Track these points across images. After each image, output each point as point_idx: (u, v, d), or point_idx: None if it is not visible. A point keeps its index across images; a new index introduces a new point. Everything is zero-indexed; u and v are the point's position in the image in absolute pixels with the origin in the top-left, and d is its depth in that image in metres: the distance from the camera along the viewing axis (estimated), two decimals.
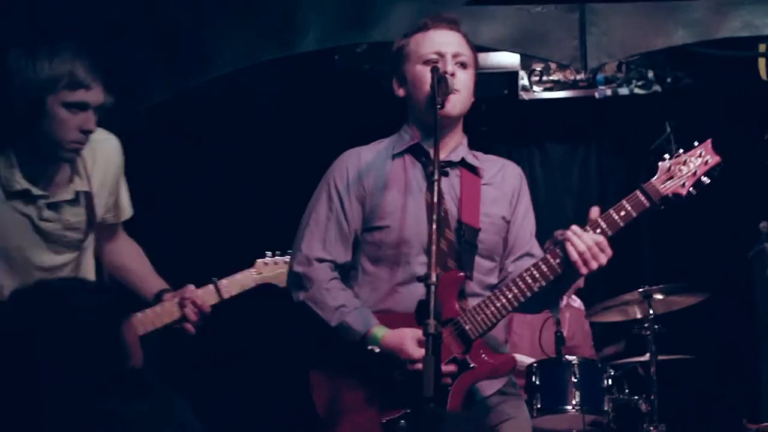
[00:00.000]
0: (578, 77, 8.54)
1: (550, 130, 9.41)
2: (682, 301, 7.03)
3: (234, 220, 7.88)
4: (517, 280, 4.01)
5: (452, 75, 4.09)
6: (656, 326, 6.78)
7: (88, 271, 4.62)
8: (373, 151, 4.33)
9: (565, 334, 6.95)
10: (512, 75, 8.35)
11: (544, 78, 8.59)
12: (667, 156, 4.06)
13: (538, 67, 8.54)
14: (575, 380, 6.45)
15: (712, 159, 4.06)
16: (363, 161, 4.27)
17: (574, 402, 6.43)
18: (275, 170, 7.96)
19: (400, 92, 4.30)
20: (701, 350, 7.35)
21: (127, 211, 4.76)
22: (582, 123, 9.18)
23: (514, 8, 5.91)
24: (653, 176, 4.04)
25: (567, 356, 6.68)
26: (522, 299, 4.00)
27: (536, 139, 9.51)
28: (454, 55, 4.16)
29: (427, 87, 4.04)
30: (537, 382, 6.50)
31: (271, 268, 4.94)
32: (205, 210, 7.88)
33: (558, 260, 3.98)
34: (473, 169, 4.29)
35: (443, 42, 4.19)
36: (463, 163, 4.27)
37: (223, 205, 7.96)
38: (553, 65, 8.48)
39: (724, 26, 5.86)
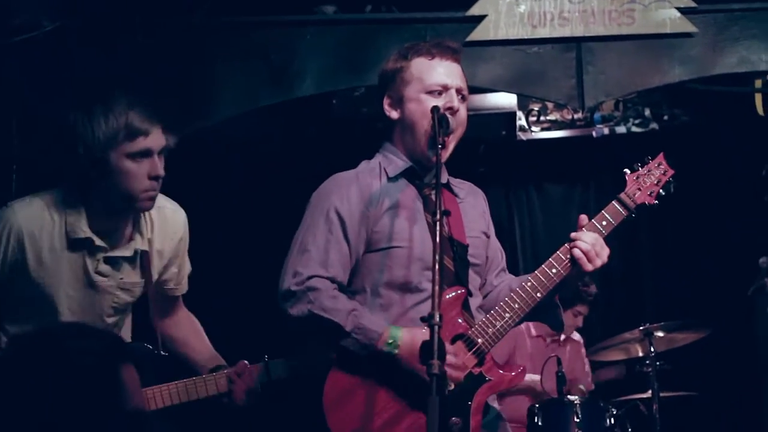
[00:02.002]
0: (575, 117, 8.55)
1: (548, 170, 9.41)
2: (684, 338, 7.04)
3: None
4: (519, 290, 4.08)
5: (456, 111, 4.11)
6: (658, 363, 6.78)
7: (125, 335, 4.63)
8: (367, 175, 4.29)
9: (564, 367, 6.92)
10: (510, 116, 8.31)
11: (542, 118, 8.60)
12: (627, 170, 4.31)
13: (536, 108, 8.55)
14: (577, 420, 6.40)
15: (668, 171, 4.32)
16: (363, 185, 4.23)
17: None
18: (275, 218, 7.96)
19: (393, 114, 4.27)
20: (703, 387, 7.34)
21: (186, 285, 4.79)
22: (580, 162, 9.18)
23: (511, 49, 5.92)
24: (624, 188, 4.27)
25: (569, 396, 6.65)
26: (526, 309, 4.07)
27: (535, 180, 9.50)
28: (458, 90, 4.18)
29: (427, 123, 4.08)
30: (539, 423, 6.46)
31: None
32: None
33: (558, 268, 4.12)
34: (450, 189, 4.36)
35: (449, 74, 4.19)
36: (446, 185, 4.31)
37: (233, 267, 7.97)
38: (550, 105, 8.49)
39: (720, 63, 5.90)
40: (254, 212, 8.13)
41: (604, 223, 4.20)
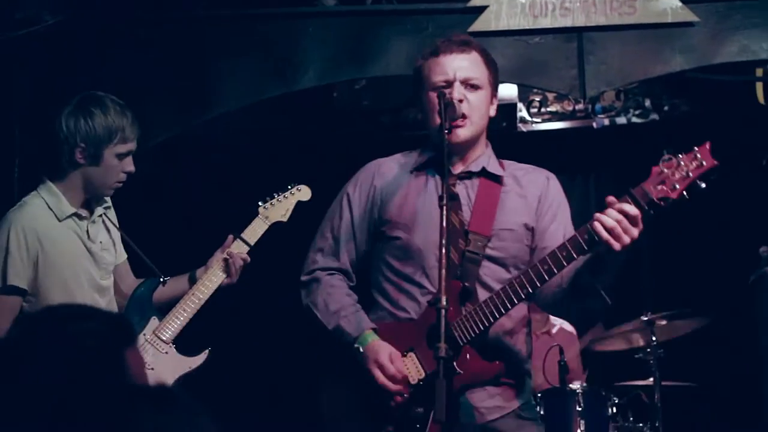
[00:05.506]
0: (576, 108, 8.54)
1: (548, 161, 9.34)
2: (684, 326, 7.05)
3: None
4: (514, 281, 4.02)
5: (460, 101, 4.14)
6: (659, 351, 6.80)
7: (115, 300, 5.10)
8: (394, 165, 4.43)
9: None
10: (510, 107, 8.31)
11: (542, 109, 8.60)
12: (667, 157, 3.94)
13: (536, 99, 8.54)
14: (579, 409, 6.45)
15: (708, 162, 3.92)
16: (383, 174, 4.39)
17: (579, 431, 6.43)
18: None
19: (420, 116, 4.42)
20: (705, 377, 7.34)
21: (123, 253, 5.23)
22: (580, 153, 9.16)
23: (512, 39, 5.93)
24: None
25: (571, 385, 6.67)
26: (516, 301, 4.01)
27: None
28: (464, 80, 4.21)
29: (436, 114, 4.08)
30: (541, 412, 6.48)
31: (274, 208, 5.38)
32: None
33: (570, 250, 3.90)
34: (495, 178, 4.35)
35: (452, 67, 4.23)
36: (483, 173, 4.33)
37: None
38: (550, 96, 8.49)
39: (721, 52, 5.89)
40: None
41: None
